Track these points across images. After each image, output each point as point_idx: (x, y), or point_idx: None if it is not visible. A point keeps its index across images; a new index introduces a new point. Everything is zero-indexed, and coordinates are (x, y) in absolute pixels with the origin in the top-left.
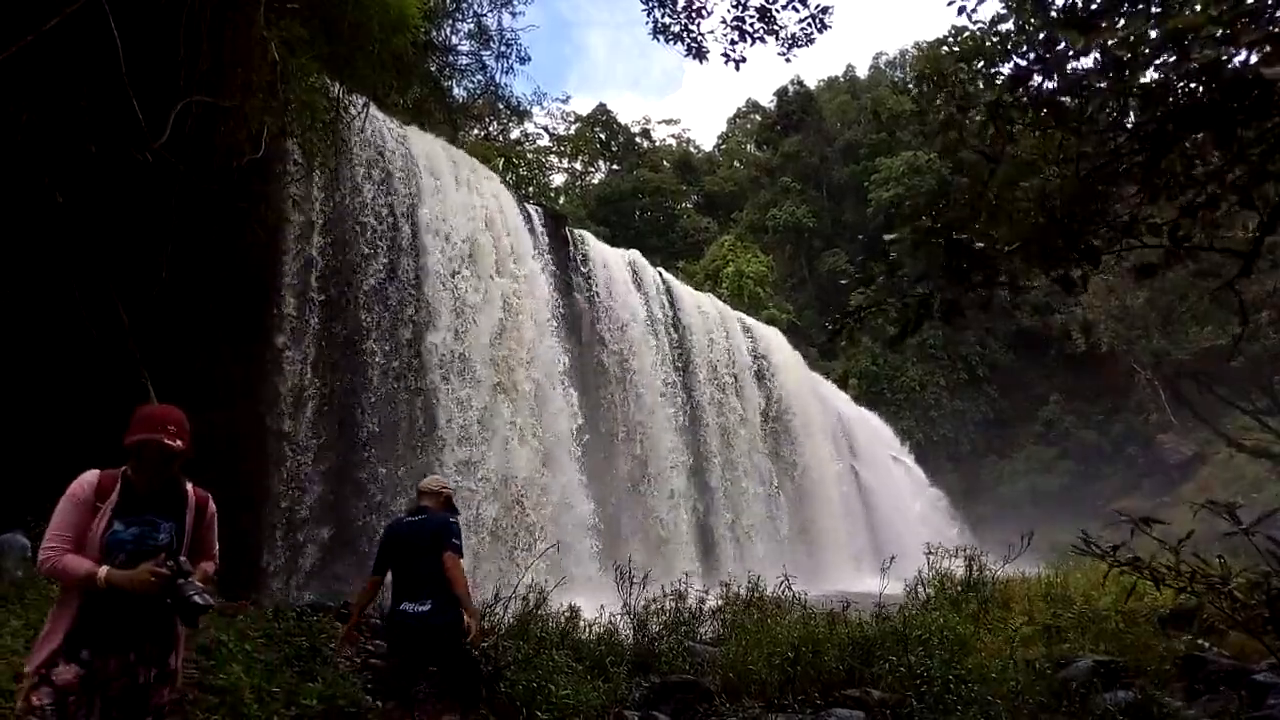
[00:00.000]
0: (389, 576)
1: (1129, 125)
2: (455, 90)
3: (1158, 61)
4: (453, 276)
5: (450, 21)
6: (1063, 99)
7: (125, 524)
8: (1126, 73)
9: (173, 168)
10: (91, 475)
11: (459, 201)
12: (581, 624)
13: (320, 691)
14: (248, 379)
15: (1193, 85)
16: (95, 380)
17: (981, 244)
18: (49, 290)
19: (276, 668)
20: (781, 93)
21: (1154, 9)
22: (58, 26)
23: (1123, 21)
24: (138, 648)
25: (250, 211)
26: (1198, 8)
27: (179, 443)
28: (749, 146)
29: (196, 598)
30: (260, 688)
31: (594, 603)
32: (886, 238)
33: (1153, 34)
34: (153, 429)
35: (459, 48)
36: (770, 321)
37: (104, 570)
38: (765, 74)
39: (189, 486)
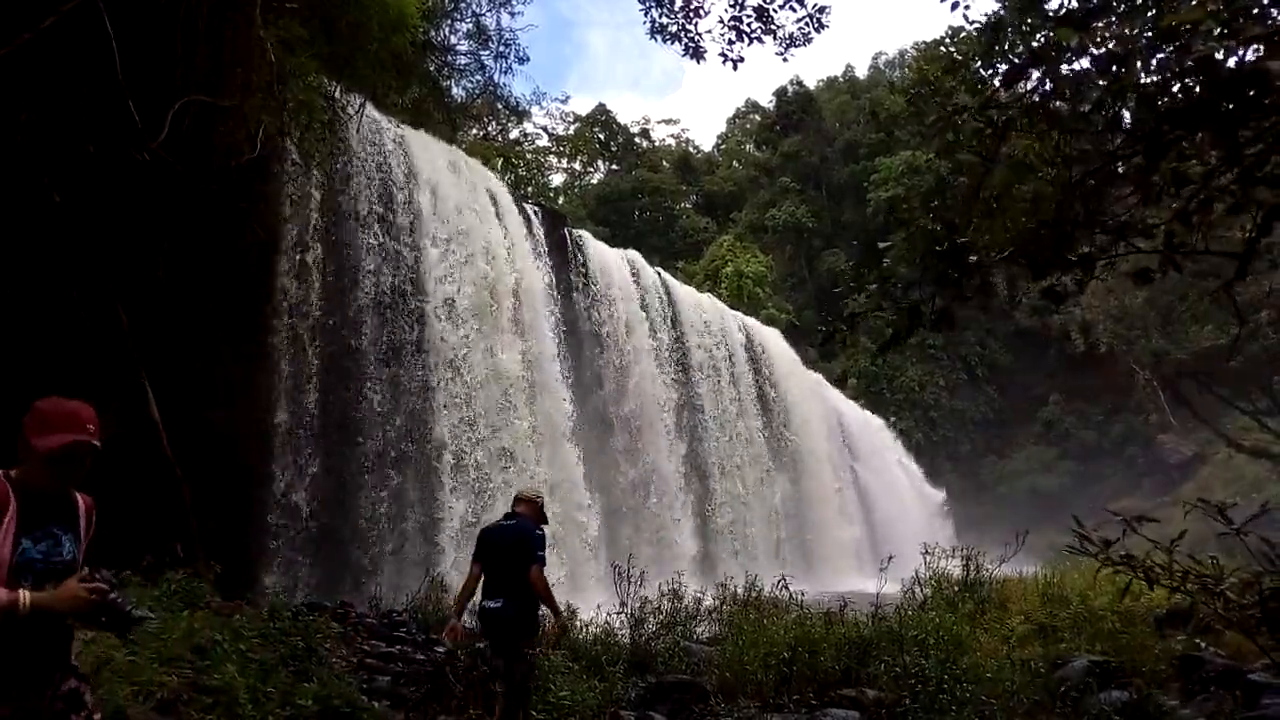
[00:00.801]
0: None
1: (1125, 126)
2: (454, 90)
3: (1155, 60)
4: (451, 276)
5: (449, 21)
6: (1058, 99)
7: (32, 540)
8: (1123, 70)
9: (171, 168)
10: None
11: (457, 201)
12: (579, 623)
13: (316, 692)
14: (246, 378)
15: (1189, 84)
16: (94, 380)
17: (975, 251)
18: (48, 290)
19: (272, 668)
20: (781, 93)
21: (1150, 8)
22: (55, 25)
23: (1116, 19)
24: (52, 683)
25: (249, 211)
26: (1194, 3)
27: (97, 441)
28: (748, 147)
29: (133, 610)
30: (255, 688)
31: (591, 602)
32: (881, 245)
33: (1149, 32)
34: (78, 428)
35: (458, 47)
36: (769, 322)
37: (25, 595)
38: (765, 74)
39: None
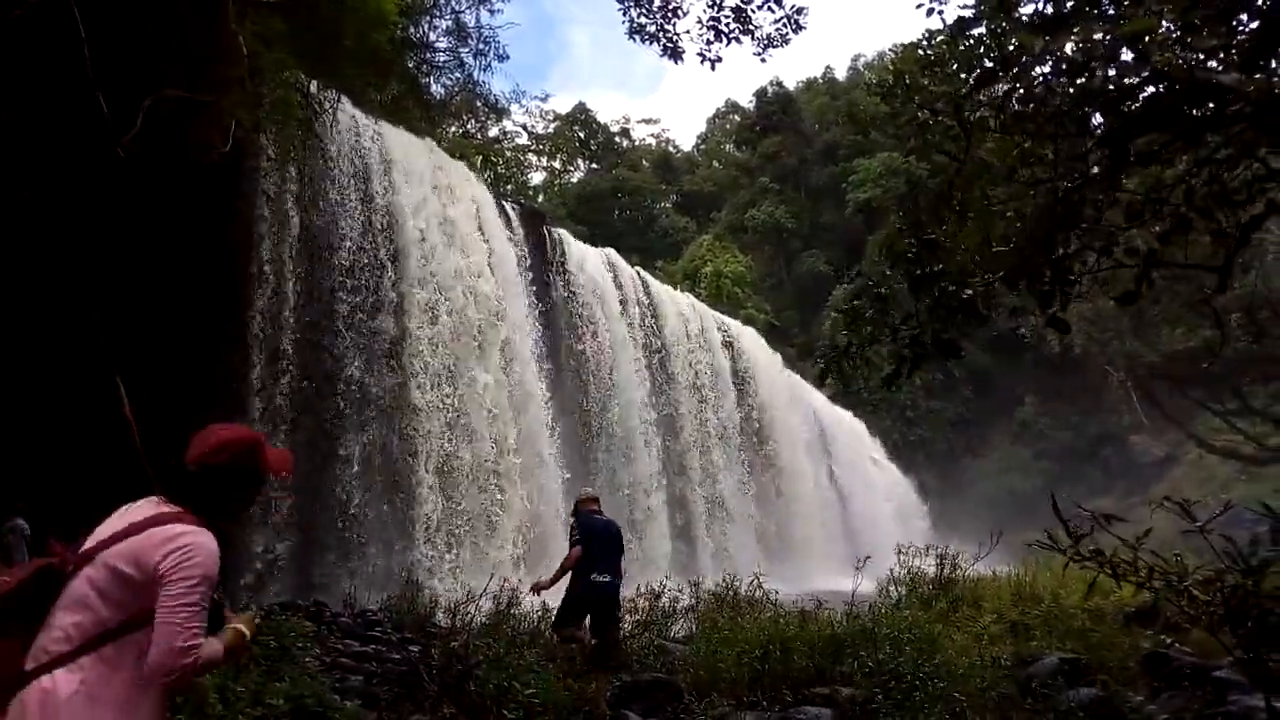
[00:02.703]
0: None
1: (1093, 128)
2: (433, 87)
3: (1116, 64)
4: (427, 274)
5: (428, 18)
6: (1027, 102)
7: None
8: (1085, 75)
9: (143, 164)
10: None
11: (435, 199)
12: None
13: (287, 691)
14: (221, 376)
15: (1154, 90)
16: (66, 378)
17: (954, 262)
18: (18, 287)
19: (243, 667)
20: (761, 93)
21: (1111, 16)
22: (23, 18)
23: (1080, 26)
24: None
25: (224, 207)
26: (1146, 14)
27: None
28: (728, 147)
29: None
30: (225, 687)
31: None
32: (877, 292)
33: (1110, 38)
34: None
35: (437, 44)
36: (748, 321)
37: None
38: (745, 75)
39: None
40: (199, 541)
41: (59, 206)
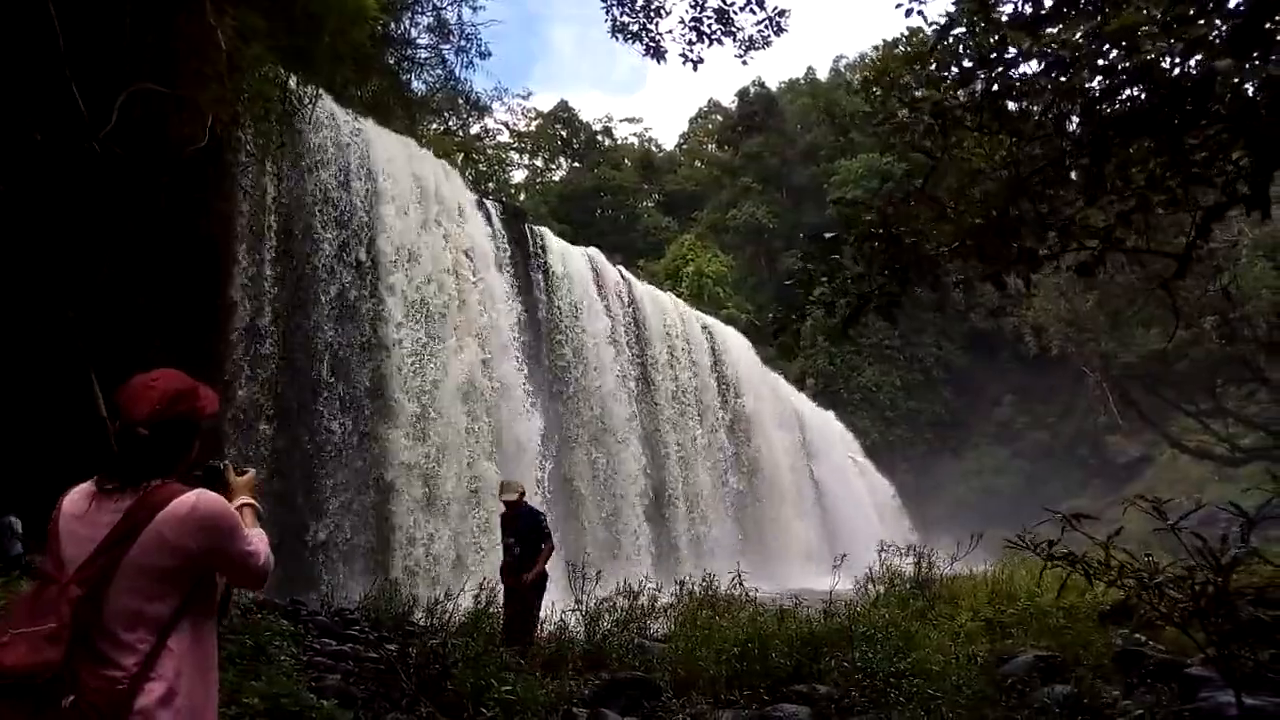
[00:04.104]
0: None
1: (1071, 130)
2: (414, 84)
3: (1099, 64)
4: (408, 272)
5: (409, 14)
6: (1006, 102)
7: None
8: (1069, 74)
9: (120, 159)
10: None
11: (415, 195)
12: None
13: (262, 690)
14: (202, 375)
15: (1133, 91)
16: (39, 377)
17: (923, 244)
18: None
19: (218, 666)
20: (743, 93)
21: (1096, 13)
22: None
23: (1064, 24)
24: None
25: (203, 203)
26: (1134, 8)
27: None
28: (710, 146)
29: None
30: None
31: (545, 599)
32: (826, 235)
33: (1094, 37)
34: None
35: (418, 41)
36: (729, 321)
37: None
38: (727, 75)
39: None
40: (205, 501)
41: (34, 201)
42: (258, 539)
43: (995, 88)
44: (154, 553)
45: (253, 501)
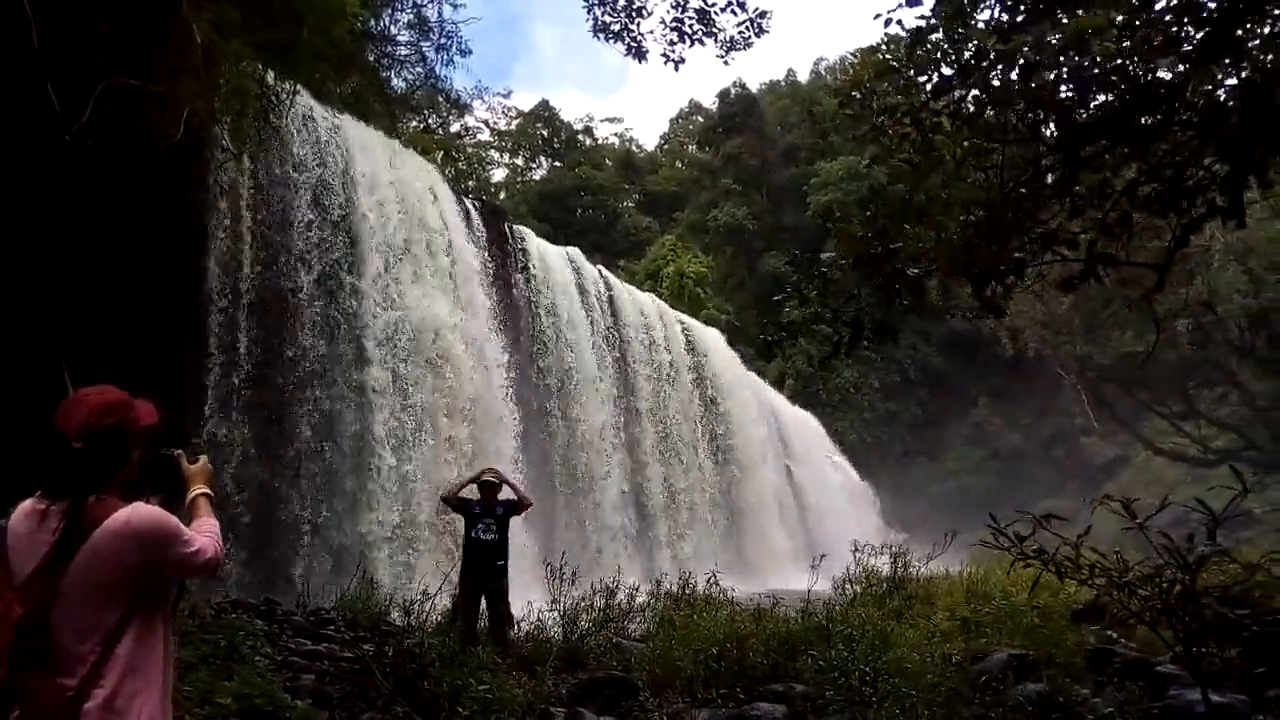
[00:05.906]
0: None
1: (1047, 136)
2: (394, 81)
3: (1068, 68)
4: (387, 271)
5: (389, 11)
6: (981, 109)
7: None
8: (1040, 80)
9: (95, 153)
10: None
11: (394, 194)
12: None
13: (236, 691)
14: (173, 372)
15: (1107, 98)
16: (11, 374)
17: (909, 259)
18: None
19: (191, 667)
20: (724, 95)
21: (1064, 18)
22: None
23: (1032, 29)
24: None
25: (179, 198)
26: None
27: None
28: (691, 147)
29: None
30: (174, 687)
31: (522, 599)
32: (824, 256)
33: (1060, 40)
34: None
35: (398, 38)
36: (709, 322)
37: None
38: (709, 75)
39: None
40: (138, 515)
41: (4, 196)
42: (206, 531)
43: (971, 94)
44: (94, 569)
45: (206, 490)
